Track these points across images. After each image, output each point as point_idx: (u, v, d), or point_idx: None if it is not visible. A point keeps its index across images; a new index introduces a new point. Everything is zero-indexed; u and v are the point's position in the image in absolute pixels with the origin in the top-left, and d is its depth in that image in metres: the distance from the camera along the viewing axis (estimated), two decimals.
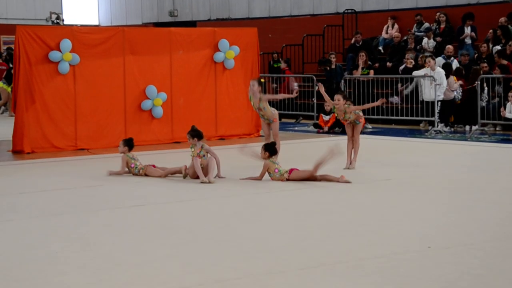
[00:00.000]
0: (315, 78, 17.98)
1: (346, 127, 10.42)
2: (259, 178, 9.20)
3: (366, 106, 11.95)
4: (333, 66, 17.31)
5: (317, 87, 17.43)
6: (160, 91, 13.49)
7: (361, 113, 10.40)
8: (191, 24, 25.08)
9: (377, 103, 10.94)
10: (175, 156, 11.54)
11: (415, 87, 16.28)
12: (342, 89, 16.88)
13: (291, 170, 9.13)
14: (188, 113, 13.87)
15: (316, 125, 16.15)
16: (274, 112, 10.61)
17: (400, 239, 6.20)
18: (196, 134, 9.35)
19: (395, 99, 16.53)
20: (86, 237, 6.39)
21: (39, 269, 5.40)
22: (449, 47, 17.04)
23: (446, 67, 15.68)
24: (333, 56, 17.50)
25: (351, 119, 10.21)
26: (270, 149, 9.20)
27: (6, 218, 7.26)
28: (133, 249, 5.95)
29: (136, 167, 9.76)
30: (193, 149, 9.38)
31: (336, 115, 10.49)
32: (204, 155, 9.32)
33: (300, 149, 12.48)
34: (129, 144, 9.99)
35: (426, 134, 14.92)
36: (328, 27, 21.04)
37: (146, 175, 9.69)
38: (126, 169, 9.85)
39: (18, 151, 12.27)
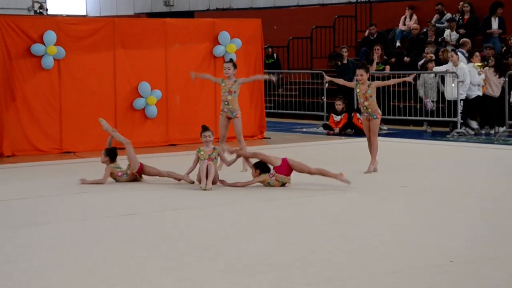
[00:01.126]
0: (324, 74, 17.96)
1: (364, 124, 10.52)
2: (240, 185, 9.30)
3: (394, 81, 11.89)
4: (345, 61, 17.31)
5: (326, 84, 17.46)
6: (154, 88, 13.51)
7: (379, 110, 10.44)
8: (189, 14, 25.11)
9: (408, 78, 10.99)
10: (171, 160, 11.54)
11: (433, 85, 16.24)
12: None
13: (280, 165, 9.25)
14: (185, 112, 13.89)
15: (326, 126, 16.15)
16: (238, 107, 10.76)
17: (419, 252, 6.19)
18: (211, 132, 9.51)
19: (429, 104, 16.33)
20: (71, 249, 6.38)
21: (19, 285, 5.40)
22: (467, 41, 16.93)
23: (499, 63, 15.45)
24: (344, 50, 17.50)
25: (370, 100, 10.19)
26: (262, 167, 9.31)
27: None
28: (123, 262, 5.95)
29: (124, 174, 9.75)
30: (202, 152, 9.42)
31: (357, 93, 10.49)
32: (215, 158, 9.41)
33: (308, 153, 12.47)
34: (111, 154, 9.82)
35: (448, 136, 14.91)
36: (339, 18, 21.04)
37: (141, 175, 9.72)
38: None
39: None
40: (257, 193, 8.92)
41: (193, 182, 9.53)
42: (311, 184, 9.42)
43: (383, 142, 14.04)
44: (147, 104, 13.47)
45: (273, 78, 11.54)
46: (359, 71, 10.39)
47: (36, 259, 6.08)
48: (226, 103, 10.68)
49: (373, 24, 19.21)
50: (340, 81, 11.46)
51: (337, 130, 15.71)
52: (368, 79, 10.53)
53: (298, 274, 5.59)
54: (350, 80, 17.03)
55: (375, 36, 18.94)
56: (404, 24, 19.94)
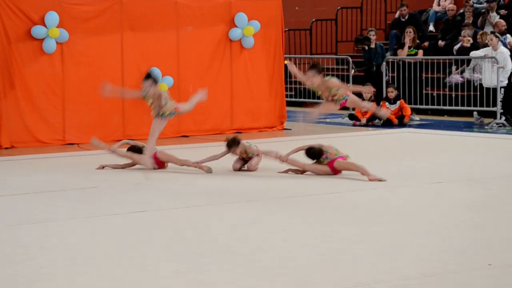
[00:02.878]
0: (350, 60, 17.95)
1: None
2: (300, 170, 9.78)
3: (354, 88, 11.55)
4: (373, 46, 17.28)
5: (353, 71, 17.40)
6: (165, 74, 13.56)
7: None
8: None
9: (364, 89, 10.68)
10: (183, 153, 11.57)
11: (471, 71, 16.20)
12: (384, 72, 16.82)
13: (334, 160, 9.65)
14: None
15: (351, 117, 16.13)
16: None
17: (454, 254, 6.18)
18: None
19: (456, 78, 16.35)
20: (76, 249, 6.44)
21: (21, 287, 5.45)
22: (500, 22, 16.82)
23: None
24: (372, 33, 17.47)
25: (340, 92, 9.82)
26: (312, 155, 9.73)
27: None
28: (132, 264, 5.99)
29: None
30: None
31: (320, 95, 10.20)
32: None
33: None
34: (136, 150, 10.49)
35: (487, 127, 14.87)
36: None
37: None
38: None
39: None
40: (277, 189, 8.94)
41: (210, 171, 9.97)
42: (336, 179, 9.44)
43: (415, 134, 14.06)
44: None
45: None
46: (309, 72, 9.79)
47: (39, 259, 6.14)
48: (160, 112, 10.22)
49: (404, 5, 19.14)
50: (297, 75, 10.31)
51: (363, 120, 15.67)
52: (320, 71, 9.82)
53: (321, 277, 5.60)
54: (379, 66, 17.08)
55: (406, 17, 18.88)
56: (439, 5, 19.86)
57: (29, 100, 12.62)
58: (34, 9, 12.61)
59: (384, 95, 16.04)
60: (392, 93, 15.68)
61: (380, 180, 9.23)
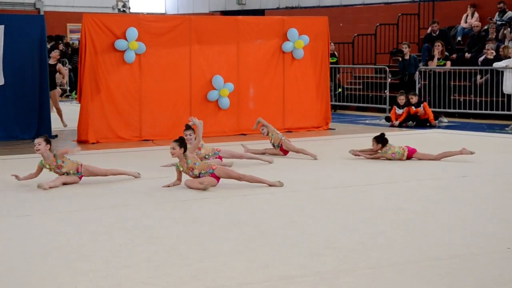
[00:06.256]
0: (387, 70, 17.78)
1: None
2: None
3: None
4: (407, 57, 17.07)
5: (389, 79, 17.17)
6: (226, 81, 13.58)
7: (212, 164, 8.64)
8: (260, 12, 25.13)
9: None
10: (240, 149, 11.56)
11: (490, 79, 15.89)
12: (417, 80, 16.63)
13: (410, 150, 10.24)
14: (255, 104, 13.93)
15: (388, 119, 15.96)
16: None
17: (477, 239, 6.08)
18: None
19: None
20: (149, 230, 6.48)
21: (102, 261, 5.52)
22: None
23: None
24: (405, 46, 17.26)
25: (197, 166, 8.49)
26: (382, 140, 10.22)
27: (70, 208, 7.45)
28: (197, 244, 6.01)
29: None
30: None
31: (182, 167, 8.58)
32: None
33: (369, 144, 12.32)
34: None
35: (507, 129, 14.58)
36: (402, 15, 20.75)
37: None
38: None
39: (83, 141, 12.56)
40: (323, 181, 8.88)
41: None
42: (371, 172, 9.36)
43: (443, 134, 13.86)
44: (220, 96, 13.56)
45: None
46: (172, 145, 8.54)
47: (117, 238, 6.20)
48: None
49: (435, 22, 18.88)
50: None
51: (396, 123, 15.39)
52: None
53: (360, 257, 5.55)
54: (411, 74, 16.87)
55: (437, 33, 18.61)
56: (466, 22, 19.54)
57: (111, 102, 12.75)
58: (117, 25, 12.74)
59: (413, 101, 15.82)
60: (413, 99, 15.48)
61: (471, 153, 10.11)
